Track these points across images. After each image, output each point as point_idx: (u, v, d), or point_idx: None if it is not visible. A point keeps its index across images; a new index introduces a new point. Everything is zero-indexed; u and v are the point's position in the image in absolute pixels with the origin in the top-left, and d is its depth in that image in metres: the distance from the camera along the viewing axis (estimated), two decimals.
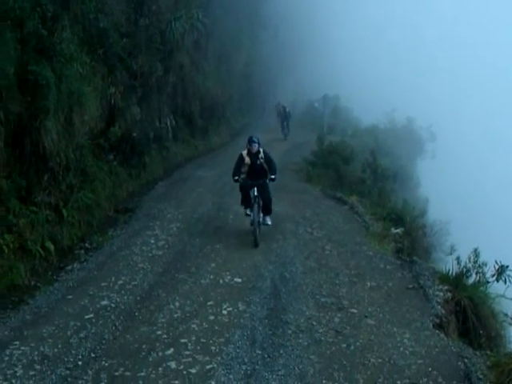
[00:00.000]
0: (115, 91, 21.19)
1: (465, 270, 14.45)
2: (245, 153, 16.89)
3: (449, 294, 13.57)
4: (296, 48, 71.05)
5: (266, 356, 9.98)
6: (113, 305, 12.07)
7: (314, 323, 11.38)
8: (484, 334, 13.51)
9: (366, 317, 11.80)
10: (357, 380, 9.32)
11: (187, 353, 9.99)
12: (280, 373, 9.42)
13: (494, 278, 13.87)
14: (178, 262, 14.77)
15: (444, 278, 14.42)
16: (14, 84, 13.94)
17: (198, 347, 10.19)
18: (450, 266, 14.87)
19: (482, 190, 70.95)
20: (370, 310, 12.16)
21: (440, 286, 13.85)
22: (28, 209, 14.50)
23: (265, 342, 10.52)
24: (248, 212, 16.90)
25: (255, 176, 16.76)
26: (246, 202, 16.92)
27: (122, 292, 12.78)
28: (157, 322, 11.26)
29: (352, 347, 10.47)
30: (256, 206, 16.61)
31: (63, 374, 9.31)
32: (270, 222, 17.26)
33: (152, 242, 16.45)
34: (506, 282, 13.69)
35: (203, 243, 16.29)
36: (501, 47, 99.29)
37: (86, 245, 16.19)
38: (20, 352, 10.01)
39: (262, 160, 16.79)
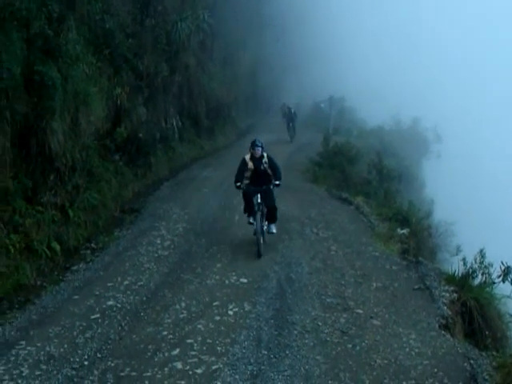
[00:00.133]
0: (121, 92, 21.21)
1: (471, 270, 14.42)
2: (248, 157, 15.98)
3: (455, 295, 13.55)
4: (301, 49, 71.11)
5: (271, 356, 9.98)
6: (119, 305, 12.09)
7: (320, 324, 11.38)
8: (490, 335, 13.48)
9: (371, 317, 11.79)
10: (363, 381, 9.32)
11: (193, 353, 10.00)
12: (286, 373, 9.42)
13: (500, 279, 13.83)
14: (183, 263, 14.78)
15: (450, 279, 14.40)
16: (21, 84, 13.96)
17: (204, 348, 10.20)
18: (455, 266, 14.84)
19: (487, 191, 70.83)
20: (375, 310, 12.15)
21: (446, 287, 13.83)
22: (34, 209, 14.52)
23: (271, 342, 10.52)
24: (251, 220, 15.98)
25: (259, 182, 15.90)
26: (249, 209, 16.07)
27: (128, 292, 12.79)
28: (163, 322, 11.26)
29: (358, 348, 10.46)
30: (259, 213, 15.64)
31: (69, 374, 9.33)
32: (275, 231, 16.34)
33: (158, 242, 16.46)
34: None
35: (209, 243, 16.30)
36: (508, 48, 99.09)
37: (92, 245, 16.20)
38: (26, 352, 10.03)
39: (265, 165, 15.90)
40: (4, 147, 13.50)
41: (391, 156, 37.53)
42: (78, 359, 9.79)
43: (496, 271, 14.05)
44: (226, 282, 13.43)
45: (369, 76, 76.61)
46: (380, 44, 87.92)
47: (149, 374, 9.30)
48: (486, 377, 9.77)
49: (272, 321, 11.42)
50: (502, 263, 13.68)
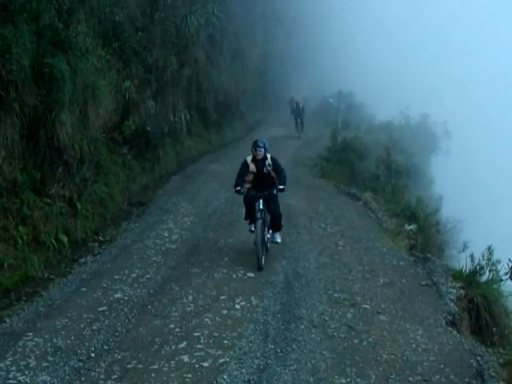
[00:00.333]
0: (130, 85, 21.21)
1: (478, 267, 14.41)
2: (249, 159, 14.64)
3: (462, 292, 13.55)
4: (311, 44, 71.08)
5: (278, 351, 9.99)
6: (126, 298, 12.10)
7: (327, 318, 11.38)
8: (497, 331, 13.49)
9: (378, 313, 11.80)
10: (369, 376, 9.32)
11: (200, 346, 10.00)
12: (292, 367, 9.43)
13: (508, 276, 13.79)
14: (191, 256, 14.79)
15: (457, 276, 14.39)
16: (30, 77, 13.95)
17: (211, 341, 10.20)
18: (463, 263, 14.84)
19: (496, 188, 70.69)
20: (382, 306, 12.15)
21: (453, 283, 13.84)
22: (42, 201, 14.54)
23: (277, 336, 10.53)
24: (252, 228, 14.58)
25: (261, 186, 14.52)
26: (251, 216, 14.72)
27: (135, 285, 12.80)
28: (170, 315, 11.28)
29: (364, 343, 10.47)
30: (261, 221, 14.18)
31: (76, 365, 9.34)
32: (279, 240, 15.16)
33: (165, 235, 16.49)
34: None
35: (216, 237, 16.32)
36: None
37: (100, 238, 16.23)
38: (33, 343, 10.04)
39: (269, 168, 14.49)
40: (13, 139, 13.51)
41: (400, 152, 37.48)
42: (84, 351, 9.81)
43: (504, 268, 14.01)
44: (234, 275, 13.44)
45: (378, 72, 76.56)
46: (390, 40, 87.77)
47: (155, 366, 9.31)
48: (493, 373, 9.77)
49: (279, 315, 11.44)
50: (510, 260, 13.64)
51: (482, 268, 14.40)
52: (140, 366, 9.34)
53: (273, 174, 14.62)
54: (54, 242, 14.36)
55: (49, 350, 9.84)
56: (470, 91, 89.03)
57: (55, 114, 14.61)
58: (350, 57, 76.14)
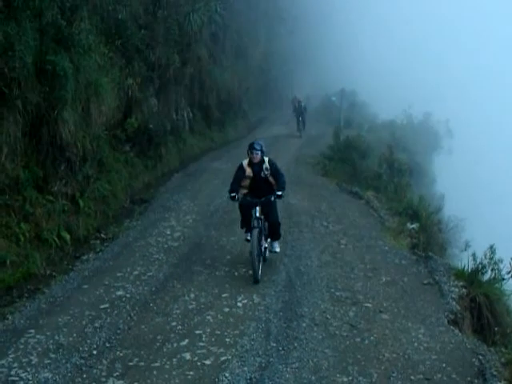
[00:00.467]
0: (133, 82, 21.24)
1: (480, 266, 14.41)
2: (245, 163, 13.72)
3: (464, 290, 13.56)
4: (313, 43, 71.04)
5: (280, 349, 9.99)
6: (128, 295, 12.11)
7: (329, 317, 11.38)
8: (499, 330, 13.49)
9: (380, 311, 11.80)
10: (371, 374, 9.31)
11: (202, 344, 10.01)
12: (294, 366, 9.43)
13: (510, 275, 13.82)
14: (193, 254, 14.79)
15: (459, 274, 14.40)
16: (33, 74, 13.97)
17: (213, 339, 10.21)
18: (465, 262, 14.85)
19: (498, 187, 70.66)
20: (384, 304, 12.15)
21: (455, 282, 13.85)
22: (45, 198, 14.56)
23: (279, 334, 10.53)
24: (248, 237, 13.57)
25: (258, 192, 13.55)
26: (247, 224, 13.69)
27: (138, 283, 12.81)
28: (172, 313, 11.28)
29: (366, 341, 10.46)
30: (257, 230, 13.12)
31: (78, 362, 9.35)
32: (278, 250, 14.32)
33: (168, 233, 16.49)
34: None
35: (219, 235, 16.32)
36: None
37: (102, 235, 16.24)
38: (35, 340, 10.05)
39: (267, 172, 13.53)
40: (15, 136, 13.53)
41: (402, 150, 37.45)
42: (86, 348, 9.81)
43: (506, 267, 14.04)
44: (236, 273, 13.44)
45: (381, 70, 76.53)
46: (393, 38, 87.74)
47: (157, 364, 9.31)
48: (495, 373, 9.77)
49: (281, 313, 11.44)
50: None
51: (484, 267, 14.40)
52: (142, 363, 9.34)
53: (271, 178, 13.62)
54: (56, 239, 14.38)
55: (51, 347, 9.85)
56: (473, 90, 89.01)
57: (58, 112, 14.63)
58: (352, 55, 76.12)
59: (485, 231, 37.41)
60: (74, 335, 10.28)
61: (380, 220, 19.41)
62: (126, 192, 19.69)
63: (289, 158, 30.32)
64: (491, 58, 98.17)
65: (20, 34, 13.23)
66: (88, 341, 10.09)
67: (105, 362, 9.39)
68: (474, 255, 14.66)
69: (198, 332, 10.46)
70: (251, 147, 13.60)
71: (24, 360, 9.36)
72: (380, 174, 27.40)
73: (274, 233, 14.02)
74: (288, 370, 9.30)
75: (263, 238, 13.58)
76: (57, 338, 10.17)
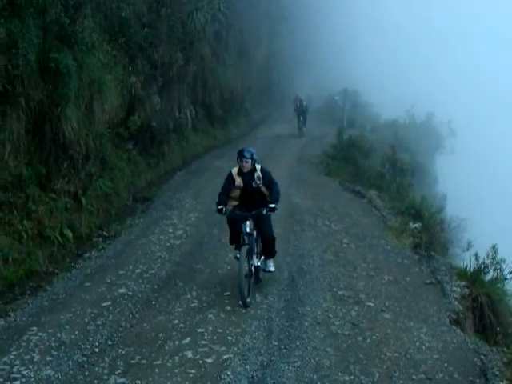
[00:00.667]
0: (136, 80, 21.24)
1: (483, 266, 14.42)
2: (235, 171, 12.39)
3: (466, 290, 13.57)
4: (316, 42, 70.97)
5: (282, 347, 10.00)
6: (130, 293, 12.12)
7: (331, 316, 11.39)
8: (501, 330, 13.49)
9: (382, 311, 11.81)
10: (373, 373, 9.32)
11: (204, 342, 10.01)
12: (296, 364, 9.44)
13: None
14: (195, 252, 14.80)
15: (461, 274, 14.40)
16: (36, 71, 13.98)
17: (215, 337, 10.21)
18: (467, 261, 14.84)
19: (501, 187, 70.57)
20: (387, 304, 12.15)
21: (457, 282, 13.85)
22: (47, 196, 14.57)
23: (281, 333, 10.54)
24: (237, 255, 12.05)
25: (250, 204, 12.24)
26: (236, 240, 12.29)
27: (140, 280, 12.82)
28: (174, 311, 11.29)
29: (368, 340, 10.47)
30: (247, 248, 11.78)
31: (80, 360, 9.36)
32: (273, 269, 12.87)
33: (170, 231, 16.50)
34: None
35: (221, 233, 16.24)
36: None
37: (104, 233, 16.26)
38: (37, 338, 10.06)
39: (259, 182, 12.19)
40: (18, 134, 13.55)
41: (405, 150, 37.42)
42: (88, 346, 9.83)
43: (508, 267, 14.06)
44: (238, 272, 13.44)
45: (384, 71, 76.45)
46: (396, 39, 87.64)
47: (159, 362, 9.32)
48: (497, 372, 9.77)
49: (283, 312, 11.45)
50: None
51: (486, 267, 14.41)
52: (144, 361, 9.35)
53: (263, 189, 12.28)
54: (58, 236, 14.39)
55: (53, 344, 9.86)
56: (476, 90, 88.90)
57: (61, 109, 14.64)
58: (352, 56, 75.93)
59: (487, 231, 37.36)
60: (76, 333, 10.30)
61: (382, 219, 19.41)
62: (129, 190, 19.70)
63: (292, 157, 30.35)
64: (494, 57, 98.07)
65: (23, 32, 13.25)
66: (90, 338, 10.10)
67: (107, 359, 9.40)
68: (476, 255, 14.66)
69: (199, 330, 10.46)
70: (240, 155, 12.19)
71: (26, 357, 9.37)
72: (383, 173, 27.38)
73: (267, 250, 12.64)
74: (290, 368, 9.30)
75: (255, 255, 12.22)
76: (59, 335, 10.18)
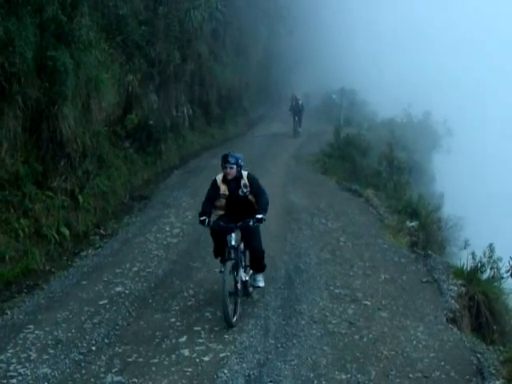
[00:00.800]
0: (133, 79, 21.23)
1: (479, 265, 14.45)
2: (220, 178, 11.53)
3: (463, 289, 13.59)
4: (313, 41, 70.92)
5: (279, 346, 10.00)
6: (127, 291, 12.13)
7: (328, 314, 11.39)
8: (497, 329, 13.53)
9: (379, 309, 11.82)
10: (369, 372, 9.32)
11: (200, 341, 10.01)
12: (293, 363, 9.44)
13: (509, 273, 13.83)
14: (192, 251, 14.79)
15: (458, 273, 14.42)
16: (33, 69, 13.97)
17: (212, 335, 10.21)
18: (464, 260, 14.86)
19: (498, 186, 70.63)
20: (383, 302, 12.16)
21: (454, 281, 13.87)
22: (44, 194, 14.56)
23: (278, 331, 10.55)
24: (223, 269, 10.90)
25: (236, 213, 11.21)
26: (221, 253, 11.30)
27: (137, 279, 12.83)
28: (170, 309, 11.29)
29: (365, 339, 10.48)
30: (231, 263, 10.76)
31: (77, 358, 9.36)
32: (262, 284, 11.88)
33: (167, 229, 16.50)
34: None
35: None
36: None
37: (101, 231, 16.26)
38: (34, 336, 10.06)
39: (245, 190, 11.22)
40: (15, 132, 13.54)
41: (402, 149, 37.40)
42: (85, 344, 9.83)
43: (505, 266, 14.06)
44: None
45: (381, 69, 76.43)
46: (393, 39, 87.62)
47: (156, 360, 9.32)
48: (493, 371, 9.77)
49: (280, 310, 11.45)
50: (511, 258, 13.68)
51: (483, 266, 14.44)
52: (140, 359, 9.35)
53: (251, 197, 11.30)
54: (55, 234, 14.38)
55: (49, 342, 9.86)
56: (473, 89, 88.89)
57: (58, 107, 14.63)
58: (349, 56, 75.82)
59: (484, 230, 37.38)
60: (73, 331, 10.30)
61: (379, 218, 19.43)
62: (126, 188, 19.69)
63: (289, 156, 30.35)
64: (489, 57, 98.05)
65: (20, 30, 13.23)
66: (87, 337, 10.10)
67: (103, 357, 9.40)
68: (473, 254, 14.69)
69: (196, 328, 10.47)
70: (224, 160, 11.30)
71: (23, 355, 9.37)
72: (380, 171, 27.41)
73: (256, 264, 11.72)
74: (286, 366, 9.31)
75: (242, 269, 11.29)
76: (56, 333, 10.19)
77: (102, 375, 8.86)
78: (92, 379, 8.75)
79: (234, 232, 10.94)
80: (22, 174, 13.80)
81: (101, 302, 11.54)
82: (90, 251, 14.72)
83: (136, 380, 8.71)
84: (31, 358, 9.32)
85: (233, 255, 10.87)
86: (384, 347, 10.19)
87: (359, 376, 9.16)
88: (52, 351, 9.55)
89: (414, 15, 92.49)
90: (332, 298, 12.18)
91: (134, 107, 21.68)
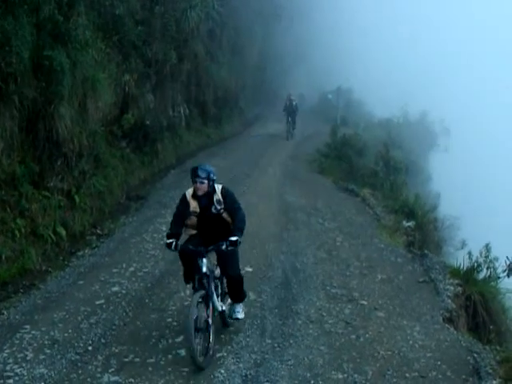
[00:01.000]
0: (129, 78, 21.19)
1: (476, 264, 14.46)
2: (189, 194, 9.79)
3: (459, 289, 13.60)
4: (310, 41, 70.97)
5: (275, 346, 10.00)
6: (123, 291, 12.11)
7: (324, 314, 11.40)
8: (494, 329, 13.54)
9: (376, 309, 11.83)
10: (366, 372, 9.32)
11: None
12: (289, 363, 9.44)
13: (505, 273, 13.87)
14: None
15: (455, 273, 14.43)
16: (29, 69, 13.93)
17: None
18: (460, 260, 14.88)
19: (494, 185, 70.70)
20: (380, 302, 12.18)
21: (451, 280, 13.88)
22: (40, 194, 14.53)
23: (275, 331, 10.54)
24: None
25: (209, 234, 9.77)
26: (192, 278, 9.71)
27: (133, 279, 12.82)
28: (167, 309, 11.30)
29: (361, 339, 10.48)
30: (200, 294, 9.30)
31: (73, 358, 9.34)
32: (241, 316, 10.36)
33: (164, 229, 16.36)
34: None
35: None
36: None
37: (98, 231, 16.25)
38: (30, 336, 10.05)
39: (219, 207, 9.64)
40: (12, 131, 13.50)
41: (398, 148, 37.43)
42: (82, 344, 9.81)
43: (501, 266, 14.09)
44: None
45: (377, 69, 76.48)
46: (389, 39, 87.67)
47: (152, 360, 9.31)
48: (490, 371, 9.78)
49: (276, 310, 11.45)
50: (508, 258, 13.72)
51: (479, 265, 14.46)
52: (137, 359, 9.34)
53: (225, 215, 9.78)
54: (51, 234, 14.36)
55: (46, 342, 9.85)
56: (472, 89, 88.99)
57: (54, 107, 14.60)
58: (350, 54, 75.91)
59: (480, 230, 37.42)
60: (70, 331, 10.28)
61: (376, 217, 19.46)
62: (122, 188, 19.67)
63: (285, 156, 30.36)
64: (487, 57, 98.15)
65: (17, 29, 13.20)
66: (83, 337, 10.09)
67: (100, 357, 9.39)
68: (469, 253, 14.71)
69: None
70: (194, 173, 9.65)
71: (19, 356, 9.35)
72: (376, 171, 27.44)
73: (233, 293, 10.23)
74: (283, 366, 9.30)
75: (218, 298, 9.90)
76: (52, 333, 10.17)
77: (99, 375, 8.85)
78: (88, 379, 8.73)
79: (205, 257, 9.48)
80: (19, 173, 13.77)
81: (97, 302, 11.53)
82: (86, 251, 14.71)
83: (133, 380, 8.70)
84: (28, 358, 9.30)
85: (204, 284, 9.45)
86: (381, 347, 10.20)
87: (356, 376, 9.16)
88: (48, 351, 9.54)
89: (412, 13, 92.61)
90: (329, 298, 12.20)
91: (131, 107, 21.65)
